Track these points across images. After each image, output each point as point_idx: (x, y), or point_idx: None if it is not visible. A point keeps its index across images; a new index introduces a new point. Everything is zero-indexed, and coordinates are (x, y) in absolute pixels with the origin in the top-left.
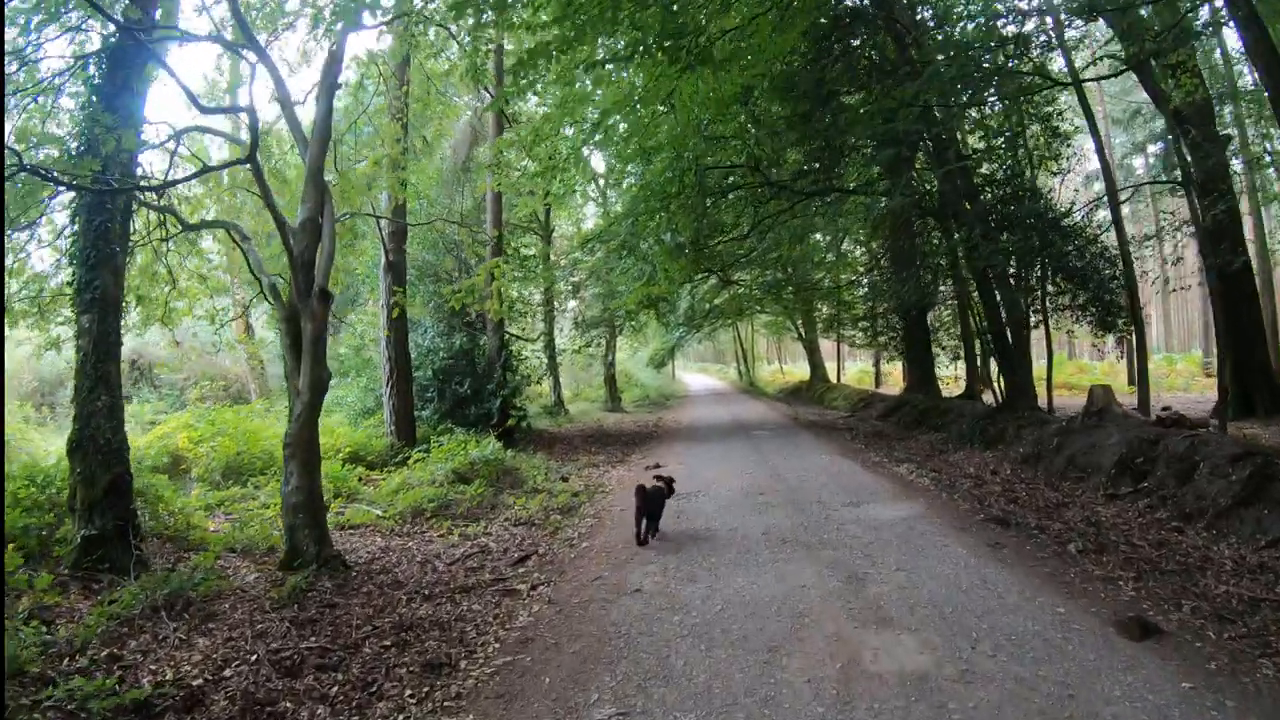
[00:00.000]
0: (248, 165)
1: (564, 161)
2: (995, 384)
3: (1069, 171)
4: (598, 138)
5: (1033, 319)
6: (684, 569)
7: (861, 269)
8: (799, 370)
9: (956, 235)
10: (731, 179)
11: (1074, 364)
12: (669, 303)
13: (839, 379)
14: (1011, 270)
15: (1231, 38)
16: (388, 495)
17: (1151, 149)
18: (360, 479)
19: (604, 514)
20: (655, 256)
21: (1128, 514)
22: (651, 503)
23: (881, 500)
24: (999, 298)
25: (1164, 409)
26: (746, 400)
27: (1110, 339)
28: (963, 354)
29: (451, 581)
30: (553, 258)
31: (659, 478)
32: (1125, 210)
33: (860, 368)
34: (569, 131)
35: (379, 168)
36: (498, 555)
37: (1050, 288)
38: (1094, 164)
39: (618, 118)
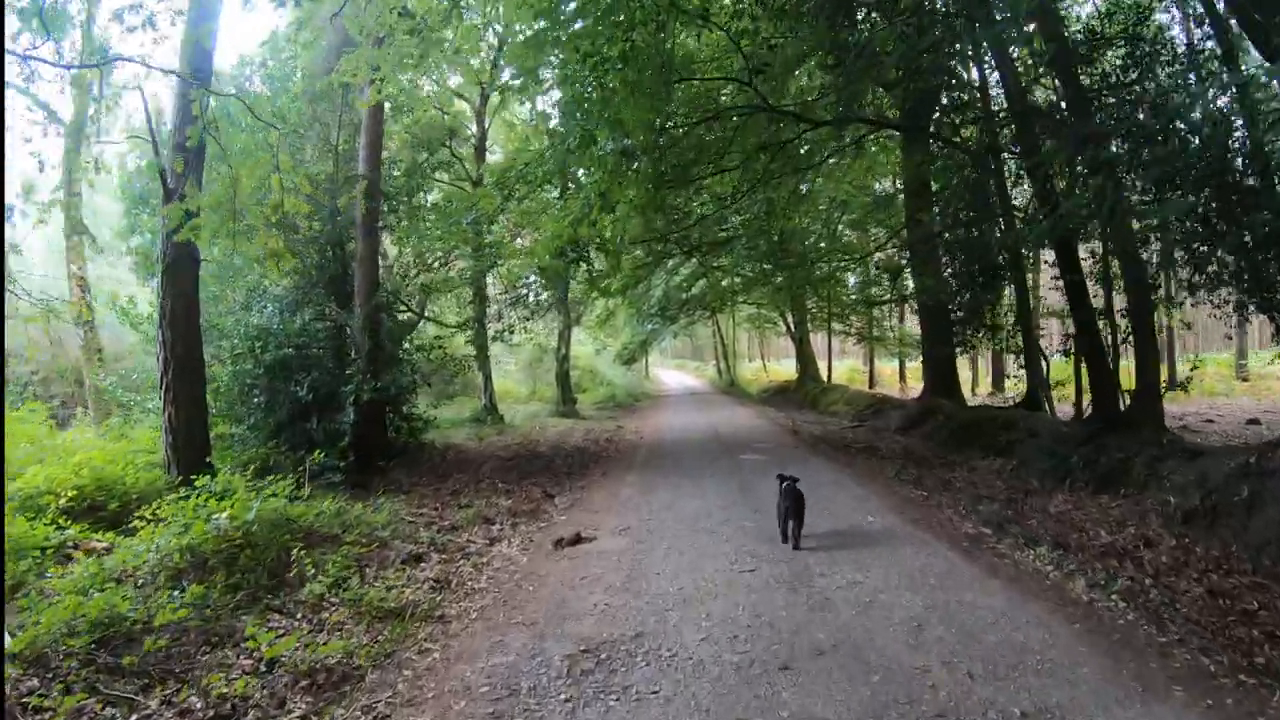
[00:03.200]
0: None
1: None
2: (1043, 387)
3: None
4: None
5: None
6: None
7: (859, 254)
8: (783, 369)
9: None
10: (701, 83)
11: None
12: (614, 256)
13: (829, 378)
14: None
15: None
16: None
17: None
18: (70, 547)
19: None
20: (587, 167)
21: None
22: (800, 501)
23: (1086, 694)
24: (1118, 265)
25: (1251, 420)
26: (727, 403)
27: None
28: (1017, 349)
29: None
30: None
31: (783, 477)
32: None
33: (849, 365)
34: None
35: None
36: None
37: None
38: None
39: None
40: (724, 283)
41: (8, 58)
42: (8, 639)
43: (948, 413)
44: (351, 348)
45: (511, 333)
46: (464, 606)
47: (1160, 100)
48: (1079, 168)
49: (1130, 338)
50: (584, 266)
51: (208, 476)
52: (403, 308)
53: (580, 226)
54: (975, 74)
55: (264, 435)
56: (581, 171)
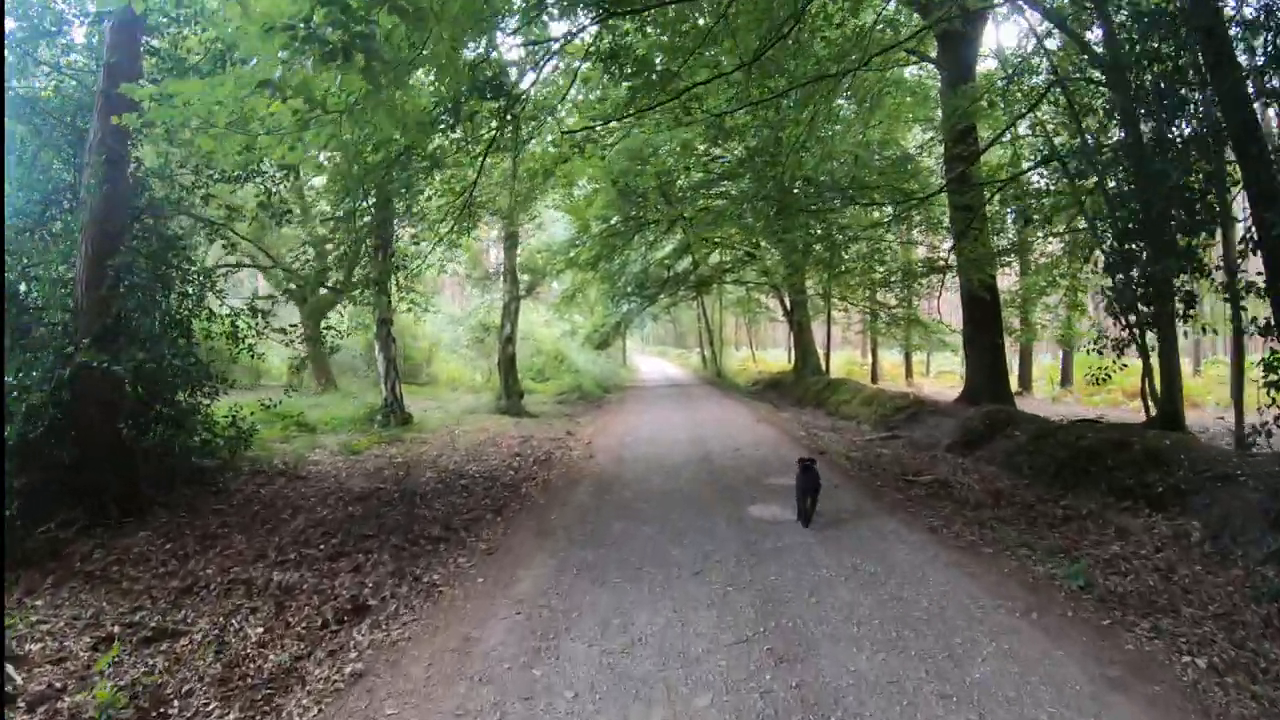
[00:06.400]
0: None
1: None
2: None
3: None
4: None
5: None
6: None
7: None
8: (772, 359)
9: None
10: None
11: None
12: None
13: (828, 370)
14: None
15: None
16: None
17: None
18: None
19: None
20: None
21: None
22: (816, 481)
23: None
24: None
25: None
26: (715, 398)
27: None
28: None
29: None
30: None
31: (803, 460)
32: None
33: (846, 356)
34: None
35: None
36: None
37: None
38: None
39: None
40: (712, 258)
41: None
42: None
43: (1030, 429)
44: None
45: (378, 287)
46: None
47: None
48: None
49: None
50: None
51: None
52: (195, 239)
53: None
54: None
55: None
56: None
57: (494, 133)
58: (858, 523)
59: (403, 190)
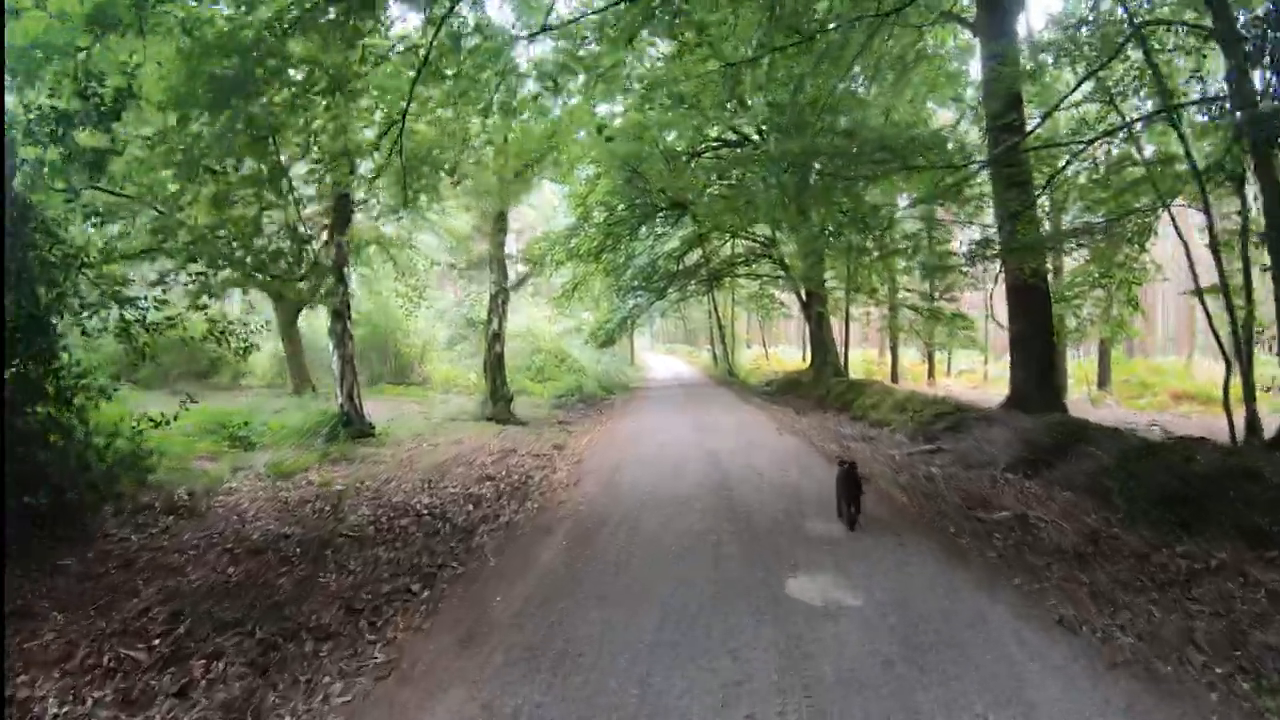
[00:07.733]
0: None
1: None
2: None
3: None
4: None
5: None
6: None
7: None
8: (785, 356)
9: None
10: None
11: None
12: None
13: (847, 369)
14: None
15: None
16: None
17: None
18: None
19: None
20: None
21: None
22: (856, 485)
23: None
24: None
25: None
26: (728, 400)
27: None
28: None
29: None
30: None
31: (843, 461)
32: None
33: (861, 354)
34: None
35: None
36: None
37: None
38: None
39: None
40: (724, 250)
41: None
42: None
43: (1112, 446)
44: None
45: (334, 275)
46: None
47: None
48: None
49: None
50: None
51: None
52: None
53: None
54: None
55: None
56: None
57: (423, 49)
58: (954, 616)
59: (269, 118)
